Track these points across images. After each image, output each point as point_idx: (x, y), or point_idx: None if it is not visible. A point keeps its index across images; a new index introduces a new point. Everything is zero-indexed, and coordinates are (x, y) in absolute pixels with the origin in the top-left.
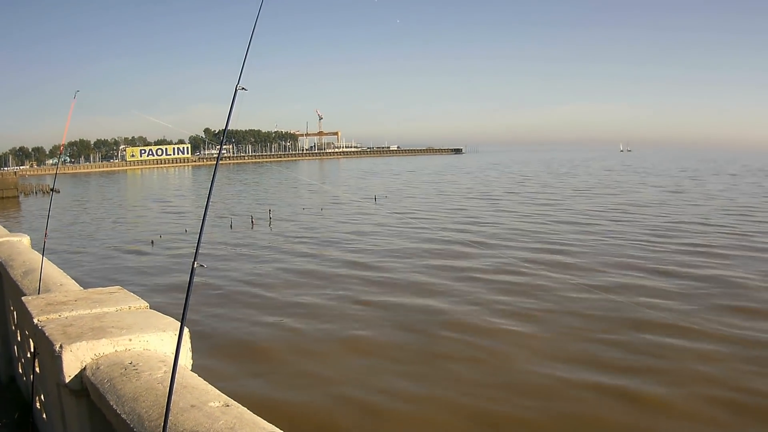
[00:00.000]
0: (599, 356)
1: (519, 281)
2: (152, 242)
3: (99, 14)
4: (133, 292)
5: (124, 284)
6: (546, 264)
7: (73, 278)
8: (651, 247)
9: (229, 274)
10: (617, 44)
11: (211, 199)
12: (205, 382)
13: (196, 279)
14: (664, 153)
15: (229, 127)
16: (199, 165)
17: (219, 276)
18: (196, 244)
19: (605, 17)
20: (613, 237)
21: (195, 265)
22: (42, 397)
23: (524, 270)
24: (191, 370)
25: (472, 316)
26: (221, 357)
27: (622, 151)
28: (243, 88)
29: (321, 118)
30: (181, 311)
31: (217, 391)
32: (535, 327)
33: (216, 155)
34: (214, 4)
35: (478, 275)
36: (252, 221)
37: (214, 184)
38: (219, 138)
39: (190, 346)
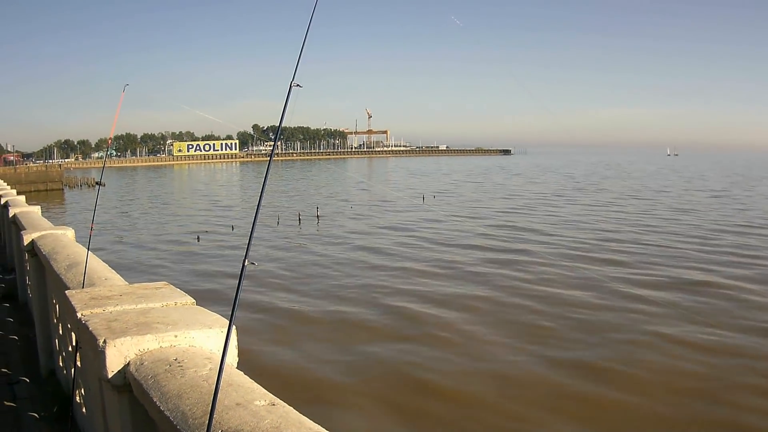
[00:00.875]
0: None
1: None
2: (198, 238)
3: (150, 8)
4: (179, 288)
5: (169, 280)
6: None
7: (117, 272)
8: None
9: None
10: (662, 52)
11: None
12: (251, 380)
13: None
14: (709, 157)
15: (276, 123)
16: (247, 161)
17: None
18: (246, 242)
19: (645, 25)
20: None
21: (246, 263)
22: (82, 391)
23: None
24: (237, 368)
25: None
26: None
27: (669, 155)
28: (298, 85)
29: (370, 117)
30: (229, 309)
31: (263, 389)
32: None
33: (264, 151)
34: None
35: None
36: (299, 219)
37: (267, 181)
38: (268, 134)
39: (236, 343)
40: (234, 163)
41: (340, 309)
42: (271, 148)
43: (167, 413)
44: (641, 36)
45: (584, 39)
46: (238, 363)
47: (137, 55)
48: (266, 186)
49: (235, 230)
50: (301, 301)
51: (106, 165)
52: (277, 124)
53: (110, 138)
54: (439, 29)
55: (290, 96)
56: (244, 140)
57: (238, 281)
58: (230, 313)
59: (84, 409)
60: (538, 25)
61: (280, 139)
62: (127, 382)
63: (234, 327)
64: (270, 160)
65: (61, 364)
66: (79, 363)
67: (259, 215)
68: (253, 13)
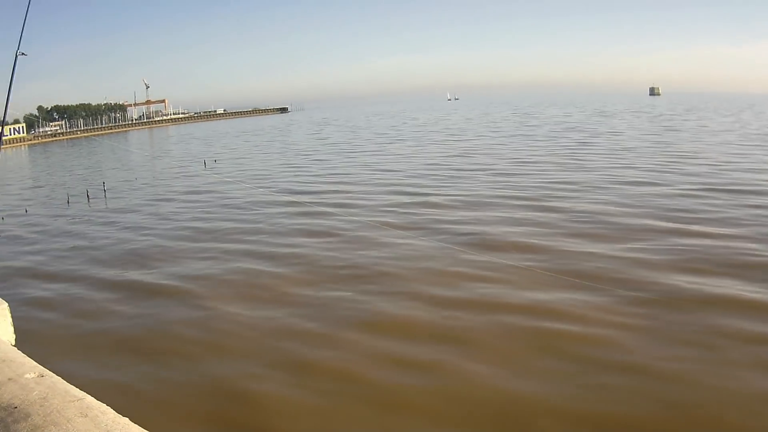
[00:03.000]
0: None
1: None
2: None
3: None
4: None
5: None
6: None
7: None
8: None
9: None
10: None
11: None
12: (23, 355)
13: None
14: (489, 98)
15: (60, 103)
16: (35, 143)
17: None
18: None
19: None
20: None
21: None
22: None
23: None
24: (13, 345)
25: None
26: None
27: (449, 99)
28: (23, 53)
29: (148, 87)
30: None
31: (34, 363)
32: None
33: (50, 131)
34: None
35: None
36: (88, 195)
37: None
38: (52, 114)
39: (11, 320)
40: (23, 147)
41: None
42: (56, 128)
43: None
44: None
45: None
46: (16, 340)
47: None
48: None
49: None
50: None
51: None
52: (61, 104)
53: None
54: None
55: (16, 65)
56: (31, 123)
57: None
58: None
59: None
60: None
61: (63, 117)
62: None
63: (6, 304)
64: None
65: None
66: None
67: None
68: None
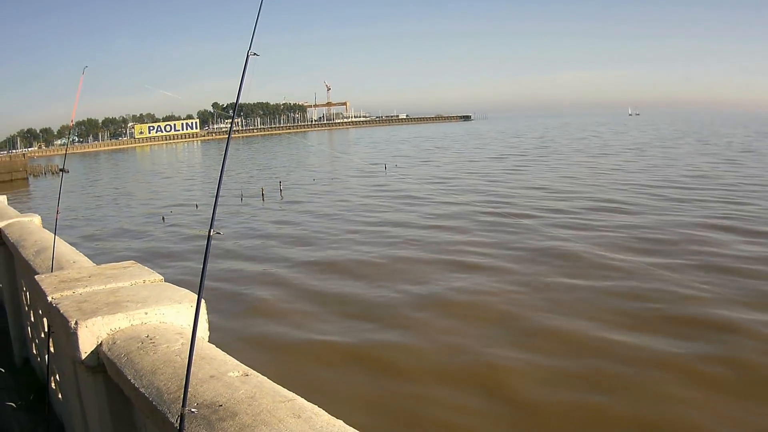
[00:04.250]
0: None
1: None
2: (163, 218)
3: None
4: (147, 267)
5: (137, 259)
6: None
7: (85, 255)
8: None
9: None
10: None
11: (224, 171)
12: (223, 353)
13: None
14: (672, 115)
15: (238, 100)
16: (208, 139)
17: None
18: (211, 215)
19: None
20: None
21: (211, 233)
22: (57, 376)
23: None
24: (208, 342)
25: None
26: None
27: (630, 114)
28: (255, 54)
29: (329, 89)
30: (197, 284)
31: (236, 361)
32: None
33: (224, 129)
34: None
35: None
36: (263, 194)
37: (227, 156)
38: (227, 111)
39: (207, 317)
40: (195, 142)
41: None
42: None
43: (142, 390)
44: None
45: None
46: (209, 337)
47: (93, 38)
48: (227, 162)
49: (199, 208)
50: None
51: (68, 151)
52: (240, 102)
53: (71, 123)
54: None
55: (247, 65)
56: (205, 119)
57: (205, 252)
58: (198, 287)
59: (60, 395)
60: None
61: (239, 116)
62: (100, 362)
63: (203, 300)
64: (229, 137)
65: (34, 351)
66: (52, 348)
67: (221, 189)
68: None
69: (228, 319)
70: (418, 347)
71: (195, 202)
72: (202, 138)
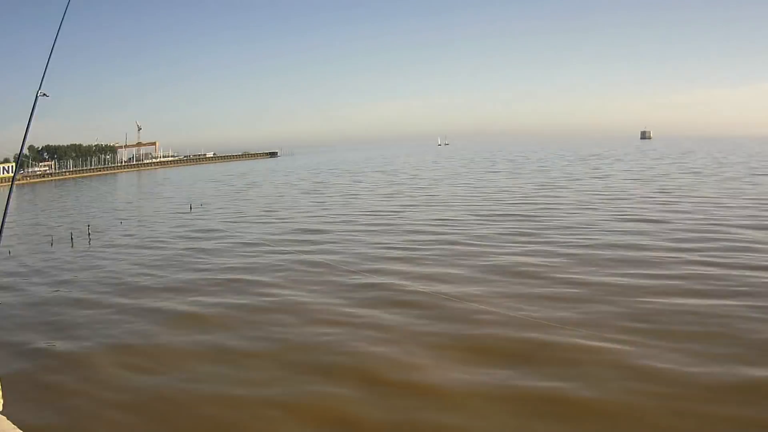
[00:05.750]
0: None
1: None
2: None
3: None
4: None
5: None
6: None
7: None
8: None
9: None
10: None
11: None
12: (13, 426)
13: None
14: (479, 144)
15: (50, 142)
16: (23, 183)
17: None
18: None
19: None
20: None
21: None
22: None
23: None
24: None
25: None
26: None
27: (440, 144)
28: (45, 94)
29: (140, 129)
30: None
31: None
32: None
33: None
34: None
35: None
36: (72, 239)
37: (10, 201)
38: (42, 154)
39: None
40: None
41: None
42: (45, 168)
43: None
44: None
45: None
46: (2, 407)
47: None
48: (9, 209)
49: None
50: None
51: None
52: (53, 144)
53: None
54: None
55: (36, 107)
56: (21, 162)
57: None
58: None
59: None
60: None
61: (53, 158)
62: None
63: None
64: (13, 182)
65: None
66: None
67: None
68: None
69: None
70: None
71: None
72: (17, 183)
